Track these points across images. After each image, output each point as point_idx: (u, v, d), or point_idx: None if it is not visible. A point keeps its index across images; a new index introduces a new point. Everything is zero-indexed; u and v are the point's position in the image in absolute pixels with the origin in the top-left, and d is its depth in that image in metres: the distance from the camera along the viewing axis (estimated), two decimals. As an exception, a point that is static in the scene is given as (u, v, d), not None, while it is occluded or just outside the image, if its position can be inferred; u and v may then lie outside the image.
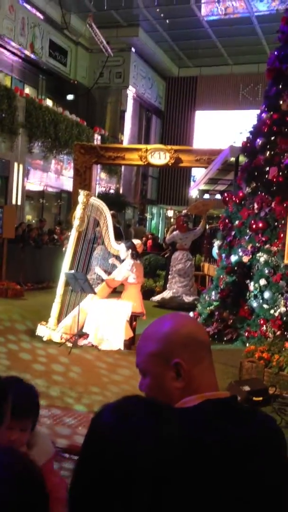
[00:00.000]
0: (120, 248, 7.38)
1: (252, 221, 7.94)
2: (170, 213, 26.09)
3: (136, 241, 7.84)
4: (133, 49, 22.21)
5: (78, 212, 7.44)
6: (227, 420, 1.09)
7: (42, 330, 7.08)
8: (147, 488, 0.89)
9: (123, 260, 7.40)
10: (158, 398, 1.11)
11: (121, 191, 21.52)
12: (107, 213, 7.58)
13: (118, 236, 9.39)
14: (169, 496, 0.91)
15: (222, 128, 23.31)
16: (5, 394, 1.51)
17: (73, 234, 7.49)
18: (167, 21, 20.78)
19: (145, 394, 1.20)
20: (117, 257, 7.57)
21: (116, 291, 7.97)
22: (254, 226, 7.89)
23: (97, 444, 0.95)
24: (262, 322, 7.17)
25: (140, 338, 1.28)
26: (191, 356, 1.20)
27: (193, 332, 1.24)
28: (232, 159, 10.20)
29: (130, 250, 7.28)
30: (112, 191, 20.73)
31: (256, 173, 8.25)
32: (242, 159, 9.33)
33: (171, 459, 0.93)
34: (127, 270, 7.20)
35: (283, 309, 7.06)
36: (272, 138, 8.05)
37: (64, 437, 3.79)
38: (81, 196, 7.43)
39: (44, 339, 6.94)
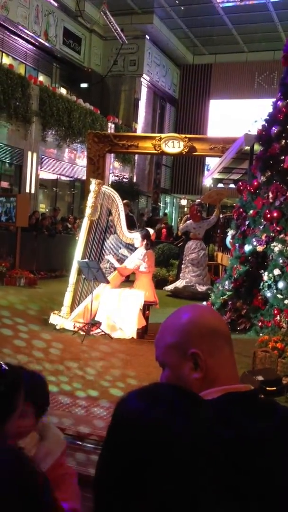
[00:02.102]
0: (134, 237, 7.35)
1: (267, 211, 7.86)
2: (183, 202, 25.99)
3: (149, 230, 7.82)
4: (147, 37, 22.03)
5: (89, 200, 7.44)
6: (248, 415, 1.07)
7: (55, 319, 7.11)
8: (182, 481, 0.83)
9: (135, 249, 7.38)
10: None
11: (134, 180, 21.47)
12: (119, 201, 7.55)
13: (131, 225, 9.37)
14: (205, 492, 0.85)
15: (236, 116, 23.09)
16: (17, 383, 1.51)
17: (85, 223, 7.48)
18: (182, 7, 20.55)
19: None
20: (128, 247, 7.55)
21: (129, 280, 7.97)
22: (268, 215, 7.80)
23: (124, 433, 0.88)
24: (275, 312, 7.12)
25: (158, 331, 1.28)
26: (208, 346, 1.19)
27: (210, 323, 1.23)
28: (247, 147, 10.09)
29: (144, 239, 7.25)
30: (125, 180, 20.69)
31: (271, 162, 8.14)
32: (257, 147, 9.21)
33: (209, 450, 0.87)
34: (138, 259, 7.18)
35: (297, 299, 6.99)
36: (288, 126, 7.92)
37: (100, 418, 3.93)
38: (93, 184, 7.42)
39: (57, 327, 6.97)
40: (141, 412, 0.89)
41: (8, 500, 0.82)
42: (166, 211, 26.06)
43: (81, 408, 4.15)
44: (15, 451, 1.00)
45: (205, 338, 1.20)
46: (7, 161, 15.88)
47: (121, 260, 7.57)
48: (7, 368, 1.50)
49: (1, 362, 1.53)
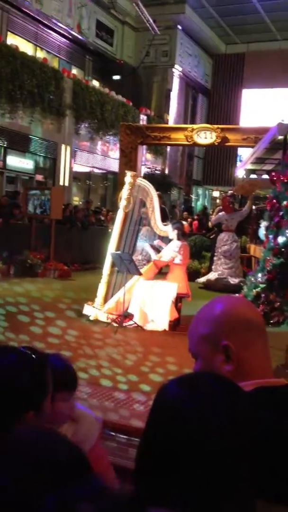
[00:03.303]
0: (168, 229, 7.38)
1: (301, 202, 7.75)
2: (216, 193, 25.80)
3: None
4: (179, 27, 21.84)
5: (124, 193, 7.48)
6: (281, 409, 1.06)
7: (89, 310, 7.22)
8: (215, 474, 0.83)
9: (169, 241, 7.41)
10: None
11: (166, 172, 21.41)
12: (154, 194, 7.58)
13: (164, 217, 9.39)
14: (238, 486, 0.85)
15: (270, 106, 22.74)
16: (44, 363, 1.55)
17: (119, 215, 7.54)
18: (215, -4, 20.33)
19: None
20: (163, 239, 7.59)
21: (161, 272, 8.01)
22: (302, 207, 7.70)
23: (164, 421, 0.89)
24: (309, 305, 7.04)
25: (192, 322, 1.27)
26: (240, 338, 1.18)
27: (244, 314, 1.22)
28: (280, 137, 9.94)
29: (177, 231, 7.29)
30: (157, 172, 20.66)
31: (305, 152, 8.02)
32: (291, 137, 9.08)
33: (242, 445, 0.86)
34: (174, 251, 7.21)
35: None
36: None
37: (140, 402, 4.07)
38: (128, 177, 7.46)
39: (91, 318, 7.08)
40: (181, 401, 0.89)
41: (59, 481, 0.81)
42: (198, 203, 25.93)
43: (121, 393, 4.29)
44: (54, 432, 1.01)
45: (238, 330, 1.18)
46: (42, 154, 16.08)
47: (157, 250, 7.61)
48: (31, 353, 1.53)
49: (26, 350, 1.55)
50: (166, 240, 7.55)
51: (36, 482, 0.78)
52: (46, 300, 7.90)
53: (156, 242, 7.66)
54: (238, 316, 1.21)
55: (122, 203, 7.47)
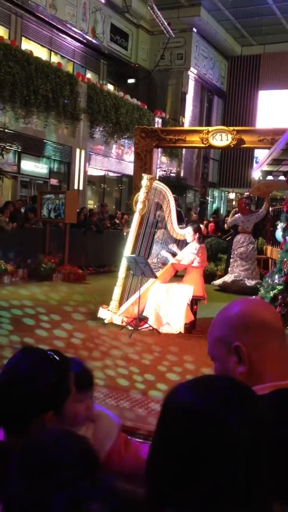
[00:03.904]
0: (186, 232, 7.30)
1: None
2: (232, 195, 25.66)
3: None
4: (194, 29, 21.83)
5: (141, 195, 7.43)
6: None
7: (104, 313, 7.17)
8: (236, 473, 0.82)
9: (185, 244, 7.33)
10: None
11: (182, 175, 21.35)
12: (170, 197, 7.53)
13: (180, 220, 9.33)
14: (258, 487, 0.84)
15: (287, 107, 22.56)
16: (67, 368, 1.56)
17: (135, 218, 7.49)
18: (230, -2, 20.26)
19: None
20: (178, 243, 7.52)
21: (177, 275, 7.93)
22: None
23: (177, 422, 0.87)
24: None
25: (211, 324, 1.28)
26: (252, 340, 1.17)
27: (258, 316, 1.20)
28: (297, 138, 9.82)
29: (198, 234, 7.21)
30: (172, 174, 20.61)
31: None
32: (308, 138, 8.96)
33: (264, 446, 0.85)
34: (193, 254, 7.12)
35: None
36: None
37: (156, 401, 4.07)
38: (145, 180, 7.41)
39: (106, 321, 7.03)
40: (193, 402, 0.88)
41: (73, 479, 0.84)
42: (214, 205, 25.80)
43: (138, 392, 4.28)
44: (77, 435, 1.03)
45: (249, 332, 1.17)
46: (57, 158, 16.14)
47: (172, 253, 7.55)
48: (56, 356, 1.54)
49: (49, 351, 1.56)
50: (182, 244, 7.47)
51: (48, 482, 0.81)
52: (56, 303, 7.86)
53: (171, 246, 7.58)
54: (251, 317, 1.20)
55: (138, 206, 7.41)
